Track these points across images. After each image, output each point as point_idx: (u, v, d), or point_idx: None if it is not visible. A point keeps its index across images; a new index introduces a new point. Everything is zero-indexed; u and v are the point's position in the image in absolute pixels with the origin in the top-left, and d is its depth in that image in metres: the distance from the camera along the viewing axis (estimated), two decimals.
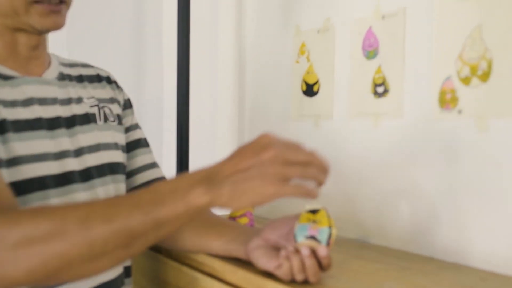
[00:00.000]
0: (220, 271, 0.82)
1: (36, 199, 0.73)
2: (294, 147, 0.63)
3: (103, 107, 0.89)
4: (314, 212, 0.69)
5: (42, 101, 0.79)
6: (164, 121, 1.39)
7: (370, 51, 1.01)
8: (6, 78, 0.76)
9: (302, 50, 1.18)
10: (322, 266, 0.67)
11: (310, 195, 0.61)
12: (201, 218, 0.88)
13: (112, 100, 0.92)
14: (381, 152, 0.99)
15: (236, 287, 0.77)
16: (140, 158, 0.95)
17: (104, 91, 0.92)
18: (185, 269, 0.90)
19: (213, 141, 1.42)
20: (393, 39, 0.97)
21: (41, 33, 0.79)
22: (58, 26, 0.79)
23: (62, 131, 0.80)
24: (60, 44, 1.21)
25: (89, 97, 0.88)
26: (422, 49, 0.91)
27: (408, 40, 0.94)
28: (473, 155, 0.83)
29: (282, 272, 0.68)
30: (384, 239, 0.98)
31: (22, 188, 0.71)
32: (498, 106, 0.80)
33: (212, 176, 0.60)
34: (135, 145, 0.95)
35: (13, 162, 0.71)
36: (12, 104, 0.75)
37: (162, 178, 0.96)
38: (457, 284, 0.72)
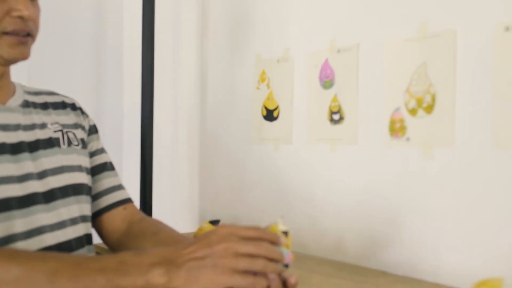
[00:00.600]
0: None
1: (0, 220, 0.75)
2: (247, 239, 0.67)
3: (67, 132, 0.93)
4: (285, 234, 0.75)
5: (5, 127, 0.83)
6: (124, 144, 1.42)
7: (327, 81, 1.10)
8: None
9: (262, 78, 1.26)
10: None
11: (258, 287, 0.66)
12: (164, 235, 0.92)
13: (76, 126, 0.96)
14: (338, 174, 1.07)
15: None
16: (106, 181, 0.99)
17: (68, 117, 0.96)
18: None
19: (175, 164, 1.46)
20: (347, 71, 1.06)
21: (8, 63, 0.83)
22: (24, 56, 0.83)
23: (25, 155, 0.83)
24: (20, 68, 1.23)
25: (53, 122, 0.92)
26: (374, 82, 1.01)
27: (361, 72, 1.03)
28: (420, 179, 0.93)
29: None
30: (341, 254, 1.06)
31: None
32: (441, 136, 0.90)
33: (172, 260, 0.66)
34: (102, 169, 0.99)
35: None
36: None
37: (128, 200, 1.00)
38: None
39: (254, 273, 0.67)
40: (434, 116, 0.91)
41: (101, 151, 1.01)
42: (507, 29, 0.82)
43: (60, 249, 0.85)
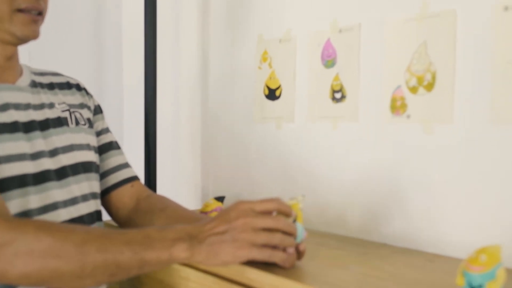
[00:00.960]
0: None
1: (16, 196, 0.79)
2: (264, 214, 0.72)
3: (73, 111, 0.96)
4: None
5: (17, 106, 0.85)
6: (125, 124, 1.45)
7: (329, 61, 1.13)
8: None
9: (264, 57, 1.28)
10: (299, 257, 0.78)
11: (279, 261, 0.71)
12: (171, 211, 0.96)
13: (82, 106, 0.99)
14: (340, 151, 1.11)
15: (215, 275, 0.86)
16: (113, 159, 1.02)
17: (74, 98, 0.98)
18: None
19: (177, 143, 1.49)
20: (349, 50, 1.08)
21: (20, 42, 0.85)
22: (36, 35, 0.85)
23: (37, 133, 0.86)
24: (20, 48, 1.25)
25: (60, 102, 0.95)
26: (375, 61, 1.03)
27: (363, 52, 1.06)
28: (420, 154, 0.96)
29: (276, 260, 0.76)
30: (343, 229, 1.10)
31: (3, 186, 0.78)
32: (441, 113, 0.93)
33: (194, 235, 0.70)
34: (108, 147, 1.02)
35: None
36: None
37: (135, 177, 1.03)
38: (409, 265, 0.85)
39: (272, 246, 0.71)
40: (434, 93, 0.94)
41: (107, 130, 1.04)
42: (506, 8, 0.85)
43: (90, 221, 0.90)
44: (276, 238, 0.71)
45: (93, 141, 0.98)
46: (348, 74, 1.09)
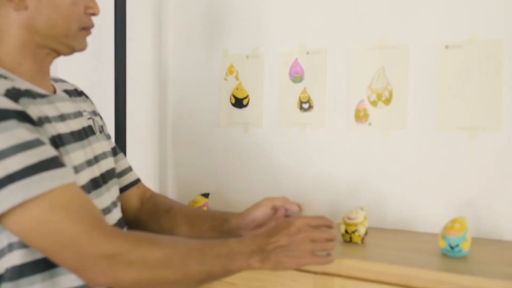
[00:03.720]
0: None
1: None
2: (318, 227, 0.90)
3: (92, 119, 1.00)
4: None
5: (69, 116, 0.90)
6: None
7: (296, 77, 1.35)
8: (42, 96, 0.85)
9: (230, 70, 1.46)
10: None
11: (328, 263, 0.90)
12: (175, 212, 1.10)
13: (95, 113, 1.04)
14: (307, 153, 1.34)
15: None
16: (120, 164, 1.11)
17: (87, 105, 1.02)
18: None
19: (147, 150, 1.57)
20: (316, 70, 1.32)
21: (71, 54, 0.90)
22: (86, 47, 0.92)
23: (85, 142, 0.91)
24: None
25: (82, 110, 0.98)
26: (341, 79, 1.29)
27: (329, 72, 1.31)
28: (379, 154, 1.24)
29: None
30: None
31: None
32: (396, 121, 1.22)
33: (263, 248, 0.86)
34: (115, 152, 1.11)
35: (75, 170, 0.83)
36: (58, 119, 0.85)
37: (139, 180, 1.13)
38: (391, 239, 1.11)
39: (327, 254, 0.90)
40: (391, 107, 1.23)
41: (109, 136, 1.12)
42: (446, 47, 1.16)
43: (119, 228, 0.95)
44: (330, 246, 0.90)
45: (110, 147, 1.06)
46: (315, 88, 1.32)
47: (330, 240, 0.90)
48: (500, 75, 1.11)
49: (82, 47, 0.88)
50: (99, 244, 0.73)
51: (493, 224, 1.12)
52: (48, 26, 0.81)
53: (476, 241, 1.01)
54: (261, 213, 1.00)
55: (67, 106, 0.90)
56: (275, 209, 1.00)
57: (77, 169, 0.82)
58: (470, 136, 1.14)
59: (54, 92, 0.90)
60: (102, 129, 1.02)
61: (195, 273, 0.80)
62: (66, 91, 0.96)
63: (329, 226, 0.93)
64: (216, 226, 1.03)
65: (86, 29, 0.88)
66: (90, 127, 0.95)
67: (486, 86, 1.12)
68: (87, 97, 1.04)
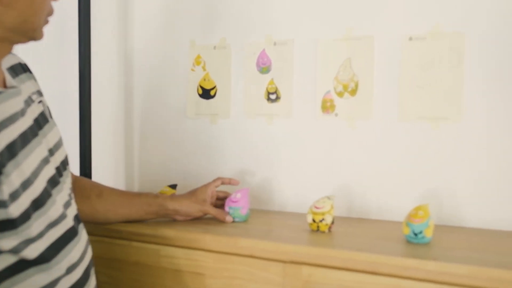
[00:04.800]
0: (175, 239, 1.06)
1: (49, 206, 0.80)
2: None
3: (41, 102, 0.90)
4: None
5: (20, 113, 0.79)
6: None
7: (264, 67, 1.36)
8: None
9: (197, 61, 1.45)
10: None
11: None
12: (107, 195, 1.10)
13: (40, 93, 0.91)
14: (275, 143, 1.35)
15: (200, 249, 1.04)
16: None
17: (31, 83, 0.90)
18: (146, 245, 1.10)
19: (114, 140, 1.55)
20: (284, 61, 1.33)
21: (28, 42, 0.85)
22: None
23: (40, 136, 0.83)
24: None
25: (31, 93, 0.87)
26: (308, 70, 1.30)
27: (296, 62, 1.31)
28: (346, 144, 1.26)
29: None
30: (269, 205, 1.34)
31: (39, 202, 0.77)
32: (362, 112, 1.24)
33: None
34: None
35: (27, 183, 0.75)
36: (8, 122, 0.75)
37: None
38: (355, 227, 1.14)
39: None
40: (356, 97, 1.24)
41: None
42: (410, 38, 1.19)
43: (78, 220, 0.91)
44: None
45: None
46: (282, 79, 1.33)
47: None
48: (461, 67, 1.14)
49: (41, 37, 0.84)
50: None
51: (454, 211, 1.16)
52: (19, 21, 0.76)
53: (438, 227, 1.04)
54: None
55: (18, 101, 0.80)
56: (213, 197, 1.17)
57: (31, 180, 0.76)
58: (433, 126, 1.17)
59: (4, 85, 0.81)
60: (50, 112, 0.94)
61: None
62: (12, 69, 0.86)
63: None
64: (152, 211, 1.12)
65: (48, 17, 0.85)
66: (42, 114, 0.88)
67: (447, 78, 1.15)
68: (31, 72, 0.92)
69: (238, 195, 1.15)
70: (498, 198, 1.12)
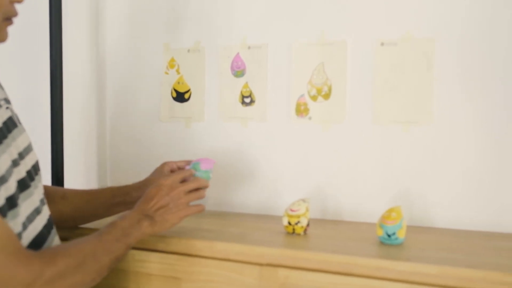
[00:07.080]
0: (149, 243, 1.05)
1: (24, 198, 0.81)
2: (185, 180, 1.02)
3: (9, 108, 0.89)
4: None
5: None
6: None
7: (238, 71, 1.36)
8: None
9: (171, 64, 1.44)
10: None
11: (202, 211, 1.02)
12: (72, 196, 1.10)
13: (7, 100, 0.91)
14: (249, 147, 1.35)
15: (175, 253, 1.03)
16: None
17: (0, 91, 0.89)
18: None
19: (86, 144, 1.53)
20: (258, 65, 1.34)
21: None
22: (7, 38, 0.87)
23: (8, 140, 0.82)
24: None
25: (0, 99, 0.88)
26: (281, 74, 1.31)
27: (270, 66, 1.32)
28: (319, 147, 1.28)
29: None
30: (244, 209, 1.35)
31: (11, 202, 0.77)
32: (335, 116, 1.26)
33: (147, 213, 0.96)
34: None
35: (2, 180, 0.76)
36: None
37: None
38: (333, 229, 1.15)
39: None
40: (330, 101, 1.26)
41: None
42: (382, 44, 1.21)
43: (49, 228, 0.91)
44: (202, 194, 1.02)
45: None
46: (257, 83, 1.34)
47: (200, 187, 1.02)
48: (431, 72, 1.17)
49: (3, 39, 0.83)
50: (17, 275, 0.73)
51: (425, 212, 1.19)
52: None
53: (410, 228, 1.07)
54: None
55: None
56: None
57: (5, 177, 0.77)
58: (404, 128, 1.20)
59: None
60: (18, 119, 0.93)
61: (107, 263, 0.87)
62: None
63: (192, 175, 1.04)
64: (119, 202, 1.10)
65: (9, 19, 0.83)
66: (10, 118, 0.87)
67: (418, 82, 1.18)
68: None
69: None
70: (466, 199, 1.16)
